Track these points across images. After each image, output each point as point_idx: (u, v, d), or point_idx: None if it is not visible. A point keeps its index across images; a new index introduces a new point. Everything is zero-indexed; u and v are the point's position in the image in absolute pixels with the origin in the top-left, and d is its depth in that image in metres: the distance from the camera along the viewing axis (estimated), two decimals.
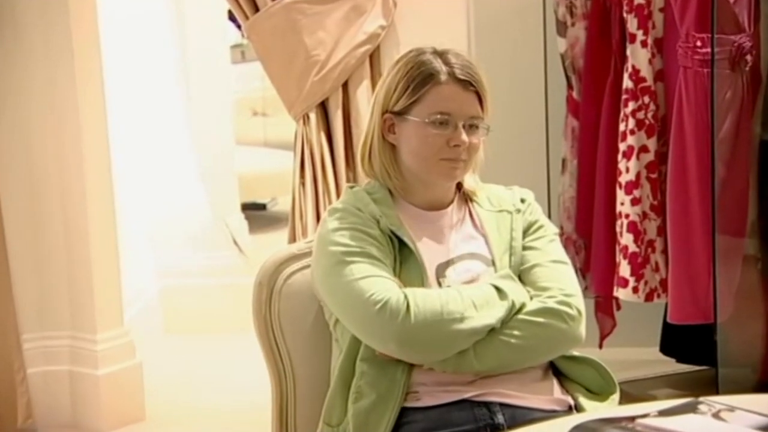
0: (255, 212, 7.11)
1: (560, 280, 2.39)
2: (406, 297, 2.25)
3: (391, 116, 2.42)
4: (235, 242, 6.48)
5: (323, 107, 4.08)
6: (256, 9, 4.03)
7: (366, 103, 3.94)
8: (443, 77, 2.37)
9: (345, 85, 4.07)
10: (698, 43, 3.89)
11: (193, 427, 4.29)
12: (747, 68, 3.88)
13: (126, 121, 4.81)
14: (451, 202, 2.48)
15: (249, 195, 6.97)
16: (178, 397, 4.52)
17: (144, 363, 4.49)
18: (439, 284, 2.38)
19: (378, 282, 2.29)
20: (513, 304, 2.31)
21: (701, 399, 1.96)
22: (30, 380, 4.26)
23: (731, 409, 1.91)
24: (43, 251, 4.29)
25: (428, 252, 2.40)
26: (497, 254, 2.42)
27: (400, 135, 2.42)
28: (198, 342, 5.02)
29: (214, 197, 6.51)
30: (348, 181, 3.90)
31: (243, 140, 7.03)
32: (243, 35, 6.55)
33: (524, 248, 2.43)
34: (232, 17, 6.39)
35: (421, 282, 2.35)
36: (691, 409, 1.92)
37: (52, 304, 4.31)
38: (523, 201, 2.50)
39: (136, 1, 5.68)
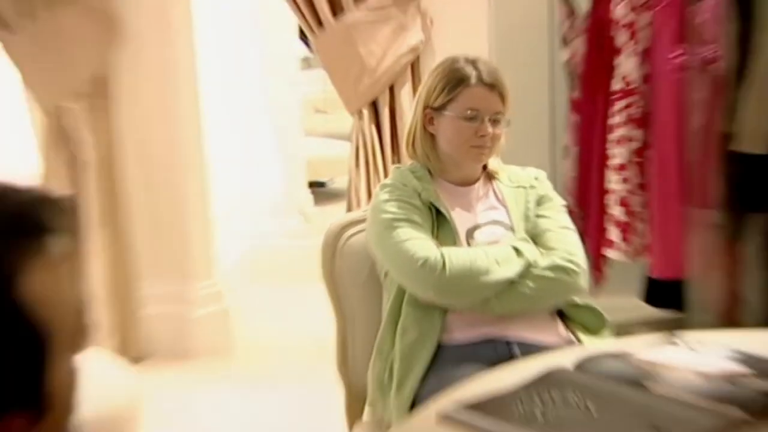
0: (317, 189, 7.13)
1: (566, 243, 2.42)
2: (442, 255, 2.30)
3: (431, 111, 2.46)
4: (303, 212, 6.53)
5: (374, 105, 4.08)
6: (321, 25, 4.03)
7: (408, 102, 3.96)
8: (473, 80, 2.40)
9: (391, 88, 4.07)
10: (675, 54, 3.87)
11: (270, 358, 4.34)
12: (713, 74, 3.86)
13: (220, 116, 4.80)
14: (478, 179, 2.51)
15: (312, 175, 7.01)
16: (258, 333, 4.57)
17: (231, 307, 4.53)
18: (468, 244, 2.42)
19: (420, 243, 2.33)
20: (528, 262, 2.34)
21: (676, 336, 2.01)
22: (144, 319, 4.32)
23: (700, 343, 1.96)
24: (156, 216, 4.32)
25: (459, 219, 2.44)
26: (515, 221, 2.45)
27: (438, 126, 2.46)
28: (274, 290, 5.05)
29: (287, 177, 6.57)
30: (393, 164, 3.90)
31: (308, 132, 7.06)
32: (309, 50, 6.58)
33: (537, 216, 2.47)
34: (302, 37, 6.41)
35: (454, 243, 2.39)
36: (669, 343, 1.98)
37: (163, 259, 4.35)
38: (536, 179, 2.54)
39: (227, 21, 5.72)
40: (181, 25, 4.26)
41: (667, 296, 4.24)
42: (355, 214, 2.63)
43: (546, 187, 2.52)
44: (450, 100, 2.41)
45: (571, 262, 2.37)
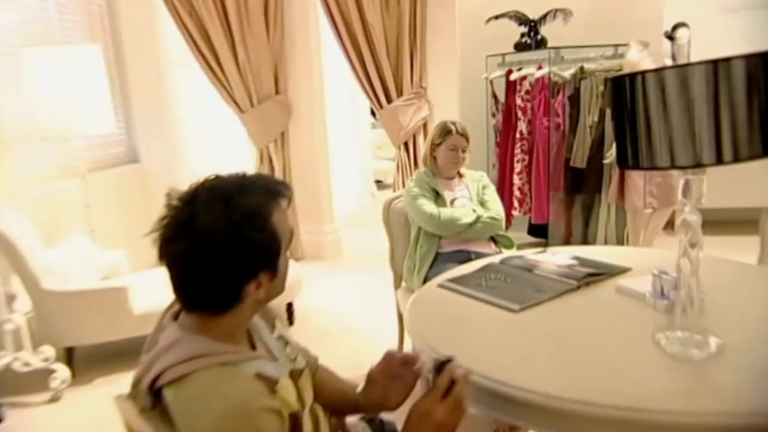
0: (378, 183, 7.11)
1: (496, 206, 2.40)
2: (438, 211, 2.28)
3: (434, 146, 2.44)
4: (372, 194, 6.52)
5: (406, 144, 4.06)
6: (381, 107, 3.99)
7: (422, 143, 3.95)
8: (454, 132, 2.40)
9: (414, 136, 4.05)
10: (544, 120, 3.80)
11: (359, 259, 4.34)
12: (560, 131, 3.79)
13: (335, 149, 4.76)
14: (455, 177, 2.46)
15: (376, 177, 6.99)
16: (353, 249, 4.56)
17: (341, 236, 4.51)
18: (451, 206, 2.37)
19: (428, 206, 2.31)
20: (478, 215, 2.32)
21: (547, 248, 1.99)
22: (301, 241, 4.33)
23: (556, 252, 1.95)
24: (307, 194, 4.30)
25: (447, 195, 2.40)
26: (473, 197, 2.43)
27: (438, 153, 2.43)
28: (359, 229, 5.03)
29: (365, 177, 6.55)
30: (415, 170, 3.89)
31: (374, 157, 7.06)
32: (375, 118, 6.54)
33: (483, 194, 2.44)
34: (372, 113, 6.37)
35: (445, 206, 2.35)
36: (541, 252, 1.95)
37: (310, 213, 4.34)
38: (482, 177, 2.50)
39: (339, 105, 5.64)
40: (318, 107, 4.24)
41: (539, 232, 4.20)
42: (397, 194, 2.59)
43: (486, 181, 2.48)
44: (443, 141, 2.39)
45: (498, 215, 2.34)
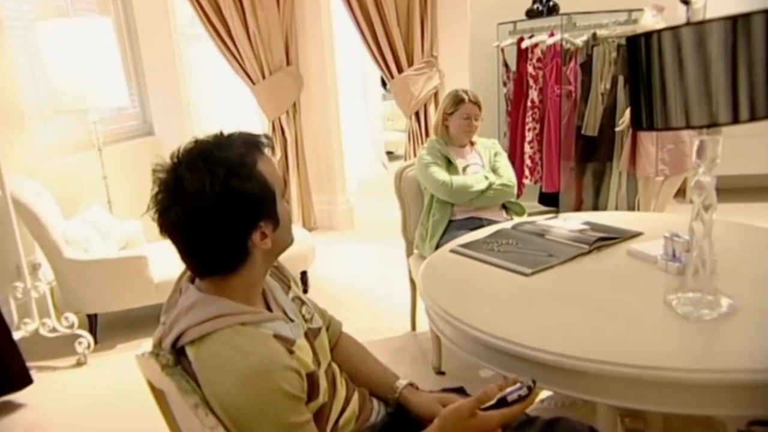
0: (390, 154, 7.06)
1: (508, 173, 2.38)
2: (450, 179, 2.27)
3: (446, 115, 2.41)
4: (384, 165, 6.49)
5: (417, 113, 4.00)
6: (392, 77, 3.94)
7: (433, 112, 3.89)
8: (466, 100, 2.37)
9: (425, 105, 3.99)
10: (556, 89, 3.74)
11: (371, 229, 4.33)
12: (572, 99, 3.74)
13: (348, 120, 4.71)
14: (467, 145, 2.44)
15: (388, 148, 6.94)
16: (365, 218, 4.54)
17: (353, 206, 4.49)
18: (464, 174, 2.36)
19: (440, 174, 2.30)
20: (490, 182, 2.31)
21: (558, 215, 1.99)
22: (315, 211, 4.33)
23: (567, 217, 1.94)
24: (319, 164, 4.29)
25: (459, 163, 2.38)
26: (485, 164, 2.41)
27: (450, 122, 2.40)
28: (372, 199, 5.01)
29: (376, 148, 6.50)
30: (426, 138, 3.85)
31: (385, 128, 6.99)
32: (385, 90, 6.46)
33: (495, 161, 2.41)
34: (382, 83, 6.29)
35: (457, 173, 2.34)
36: (553, 217, 1.95)
37: (323, 183, 4.33)
38: (494, 144, 2.47)
39: (351, 77, 5.58)
40: (329, 78, 4.19)
41: (550, 200, 4.18)
42: (409, 162, 2.57)
43: (498, 148, 2.46)
44: (455, 110, 2.36)
45: (510, 182, 2.33)
